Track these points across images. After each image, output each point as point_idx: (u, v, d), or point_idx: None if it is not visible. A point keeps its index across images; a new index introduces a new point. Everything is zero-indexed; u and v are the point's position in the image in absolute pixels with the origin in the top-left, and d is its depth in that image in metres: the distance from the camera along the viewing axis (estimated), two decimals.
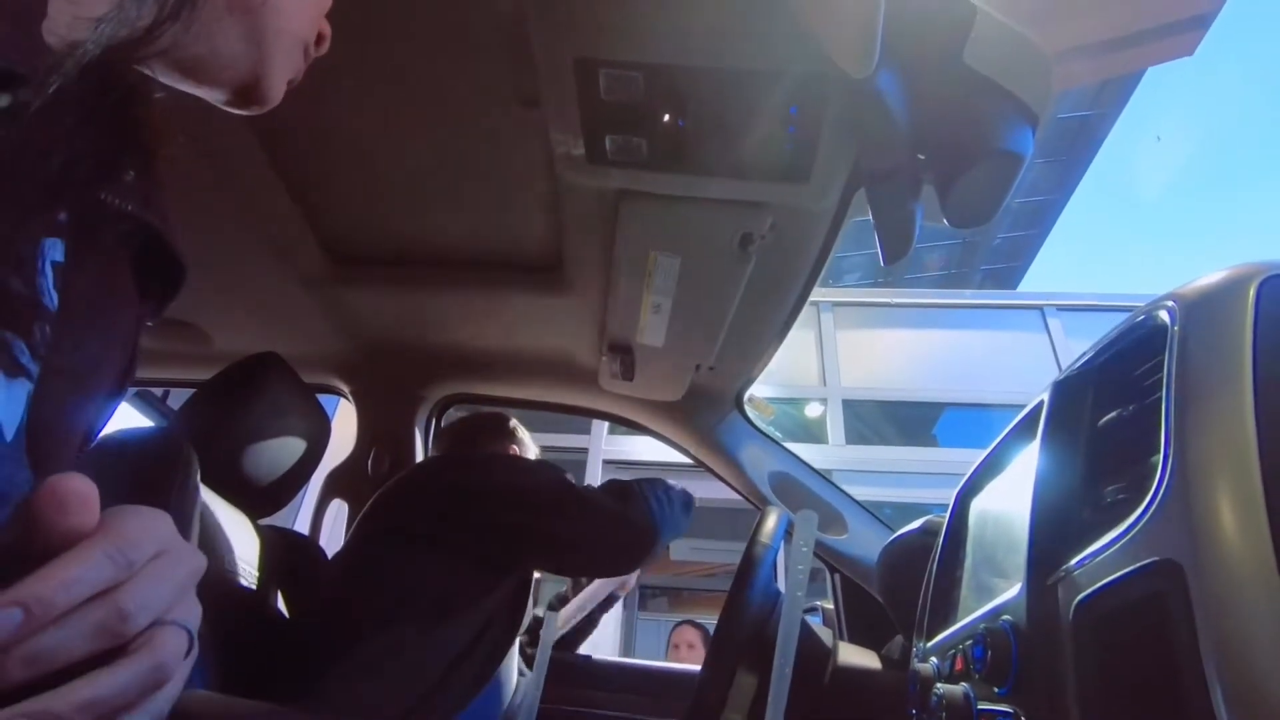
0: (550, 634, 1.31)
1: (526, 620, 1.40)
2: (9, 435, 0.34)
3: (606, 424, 3.90)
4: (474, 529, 1.14)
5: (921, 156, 0.79)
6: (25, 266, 0.34)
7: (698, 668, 1.16)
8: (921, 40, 0.72)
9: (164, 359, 1.58)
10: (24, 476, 0.35)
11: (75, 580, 0.29)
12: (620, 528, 1.21)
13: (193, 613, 0.35)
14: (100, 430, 0.44)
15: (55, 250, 0.38)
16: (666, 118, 0.85)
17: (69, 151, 0.36)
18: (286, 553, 1.25)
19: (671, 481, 1.36)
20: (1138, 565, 0.42)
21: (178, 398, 1.86)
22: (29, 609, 0.28)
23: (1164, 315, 0.49)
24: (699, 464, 1.64)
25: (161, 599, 0.32)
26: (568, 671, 1.51)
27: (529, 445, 1.50)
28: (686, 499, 1.36)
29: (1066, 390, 0.62)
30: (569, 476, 1.26)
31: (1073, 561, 0.49)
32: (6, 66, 0.31)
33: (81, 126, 0.37)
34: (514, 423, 1.51)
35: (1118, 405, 0.55)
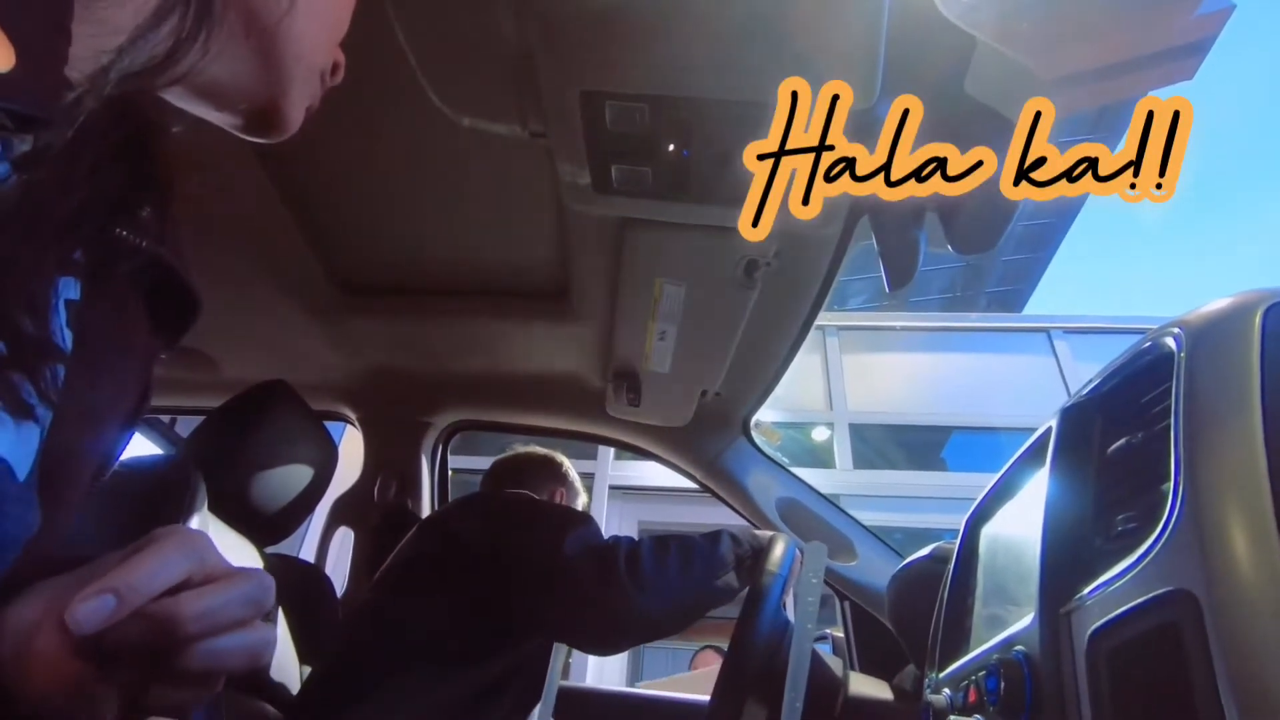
0: (557, 666, 1.29)
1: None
2: (20, 476, 0.34)
3: (613, 450, 3.89)
4: (469, 586, 1.11)
5: None
6: (38, 307, 0.35)
7: (706, 698, 1.14)
8: (922, 71, 0.73)
9: (172, 386, 1.59)
10: (33, 517, 0.35)
11: (159, 569, 0.33)
12: (596, 611, 1.08)
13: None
14: (112, 465, 0.44)
15: (70, 289, 0.38)
16: (671, 147, 0.86)
17: (87, 190, 0.36)
18: (292, 580, 1.24)
19: (730, 537, 1.15)
20: (1151, 595, 0.41)
21: (186, 425, 1.87)
22: (120, 594, 0.31)
23: (1170, 342, 0.49)
24: (706, 490, 1.63)
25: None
26: (575, 702, 1.49)
27: (578, 490, 1.46)
28: (711, 559, 1.13)
29: (1074, 417, 0.62)
30: (575, 535, 1.11)
31: (1085, 591, 0.49)
32: (27, 111, 0.31)
33: (99, 162, 0.37)
34: (565, 466, 1.45)
35: (1126, 432, 0.55)
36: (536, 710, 1.34)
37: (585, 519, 1.19)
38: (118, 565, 0.33)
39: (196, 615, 0.33)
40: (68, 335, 0.37)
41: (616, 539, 1.13)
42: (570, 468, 1.47)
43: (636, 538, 1.15)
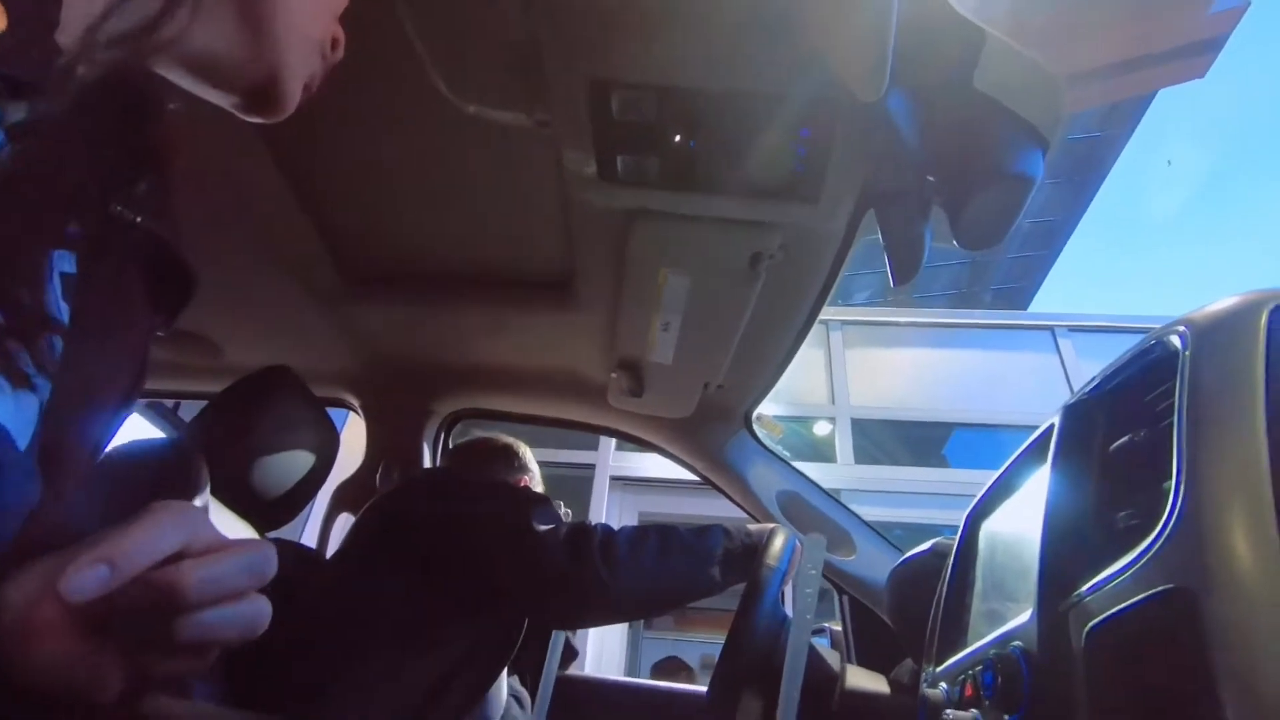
0: (554, 657, 1.30)
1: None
2: (20, 445, 0.34)
3: (614, 441, 3.89)
4: (425, 566, 1.09)
5: (931, 178, 0.80)
6: (34, 279, 0.34)
7: (703, 689, 1.14)
8: (931, 65, 0.73)
9: (176, 371, 1.60)
10: (34, 487, 0.36)
11: (154, 539, 0.33)
12: (564, 585, 1.07)
13: None
14: (110, 441, 0.44)
15: (65, 262, 0.38)
16: (678, 138, 0.86)
17: (83, 163, 0.36)
18: (293, 566, 1.25)
19: (722, 531, 1.15)
20: (1150, 592, 0.41)
21: (189, 409, 1.88)
22: (114, 564, 0.31)
23: (1175, 340, 0.49)
24: (707, 482, 1.63)
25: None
26: (572, 692, 1.50)
27: (539, 481, 1.45)
28: (694, 551, 1.12)
29: (1077, 414, 0.62)
30: (541, 512, 1.11)
31: (1085, 587, 0.49)
32: (20, 76, 0.31)
33: (96, 138, 0.37)
34: (528, 455, 1.45)
35: (1129, 430, 0.55)
36: (521, 697, 1.34)
37: (547, 500, 1.18)
38: (113, 535, 0.33)
39: (198, 583, 0.33)
40: (64, 308, 0.37)
41: (595, 523, 1.13)
42: (532, 457, 1.46)
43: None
